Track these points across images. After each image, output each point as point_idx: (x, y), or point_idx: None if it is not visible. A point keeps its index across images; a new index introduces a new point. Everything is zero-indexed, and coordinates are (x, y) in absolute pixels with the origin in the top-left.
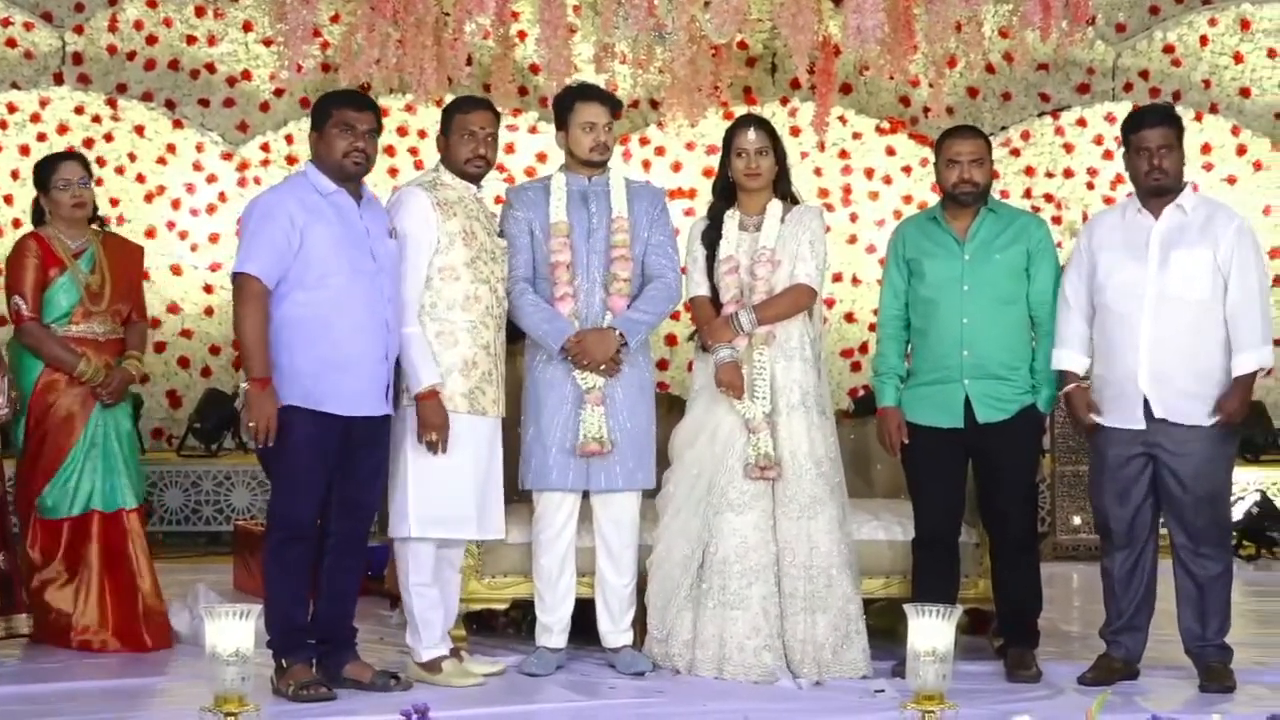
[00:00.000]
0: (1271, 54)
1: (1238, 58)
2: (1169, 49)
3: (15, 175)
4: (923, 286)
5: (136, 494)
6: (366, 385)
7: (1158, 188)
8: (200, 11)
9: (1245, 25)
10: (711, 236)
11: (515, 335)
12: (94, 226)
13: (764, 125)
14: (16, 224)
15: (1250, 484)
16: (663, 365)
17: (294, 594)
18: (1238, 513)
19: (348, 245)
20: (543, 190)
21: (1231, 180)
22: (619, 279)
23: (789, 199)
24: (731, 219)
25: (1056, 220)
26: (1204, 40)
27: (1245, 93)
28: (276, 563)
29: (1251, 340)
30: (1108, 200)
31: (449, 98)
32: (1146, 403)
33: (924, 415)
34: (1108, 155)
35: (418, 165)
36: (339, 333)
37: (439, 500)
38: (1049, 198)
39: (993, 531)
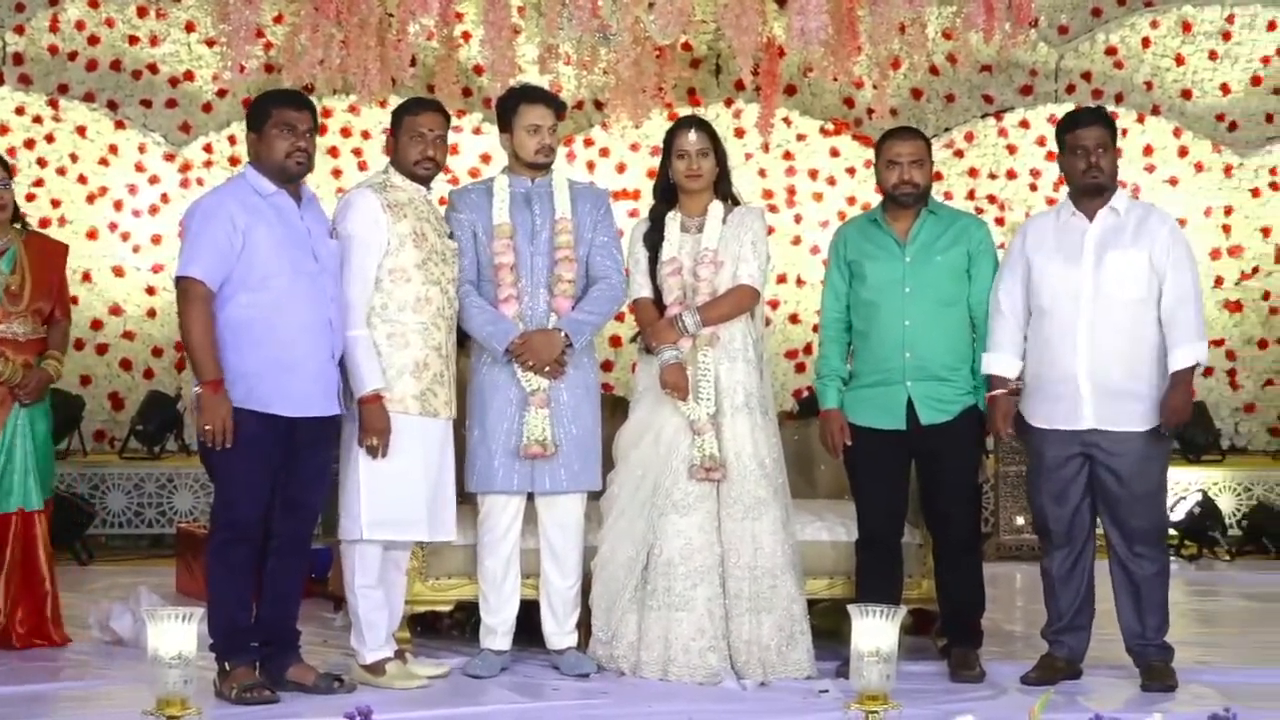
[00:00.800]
0: (1213, 56)
1: (1179, 60)
2: (1111, 51)
3: None
4: (864, 289)
5: (45, 494)
6: (311, 386)
7: (1095, 186)
8: (142, 12)
9: (1187, 27)
10: (653, 238)
11: (461, 337)
12: (15, 226)
13: (704, 126)
14: None
15: (1192, 484)
16: (607, 367)
17: (237, 596)
18: (1179, 513)
19: (289, 246)
20: (485, 192)
21: (1173, 182)
22: (563, 280)
23: (730, 200)
24: (673, 220)
25: (1000, 221)
26: (1146, 42)
27: (1187, 94)
28: (220, 564)
29: (1187, 336)
30: (1050, 201)
31: (393, 99)
32: (1083, 404)
33: (866, 417)
34: (1050, 156)
35: (362, 166)
36: (283, 334)
37: (390, 503)
38: (992, 199)
39: (935, 532)
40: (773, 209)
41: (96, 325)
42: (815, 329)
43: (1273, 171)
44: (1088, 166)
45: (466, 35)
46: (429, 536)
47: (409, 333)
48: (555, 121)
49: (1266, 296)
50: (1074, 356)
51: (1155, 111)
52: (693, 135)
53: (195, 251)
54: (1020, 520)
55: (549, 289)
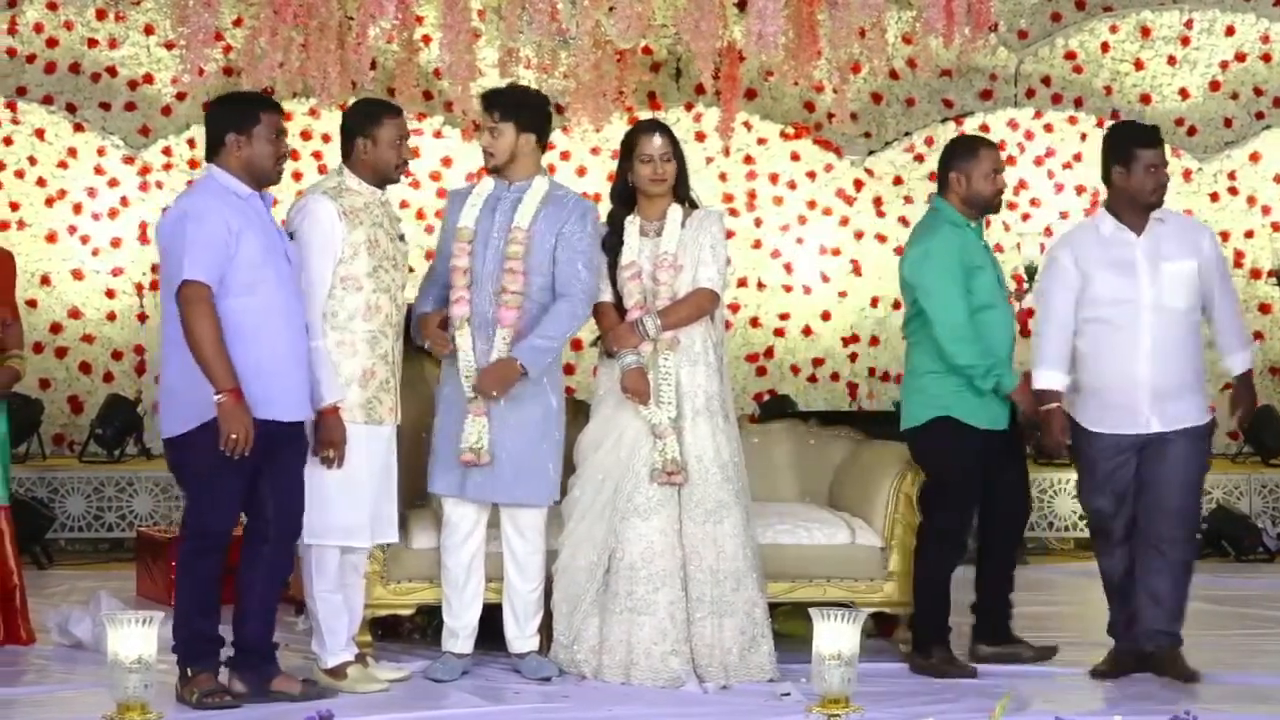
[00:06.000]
0: (1171, 61)
1: (1138, 64)
2: (1071, 55)
3: None
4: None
5: (8, 492)
6: (295, 389)
7: (1157, 204)
8: (101, 14)
9: (1145, 32)
10: (612, 242)
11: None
12: None
13: (666, 130)
14: None
15: None
16: (568, 370)
17: (203, 603)
18: None
19: (270, 250)
20: (467, 195)
21: None
22: (507, 290)
23: (689, 203)
24: (632, 224)
25: None
26: (1105, 47)
27: (1146, 99)
28: (188, 572)
29: (1244, 340)
30: (1010, 205)
31: (353, 101)
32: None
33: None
34: (1010, 161)
35: (321, 170)
36: (269, 337)
37: (334, 508)
38: None
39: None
40: (733, 213)
41: (56, 329)
42: (778, 333)
43: (1231, 176)
44: (1156, 186)
45: (426, 38)
46: (370, 541)
47: (357, 341)
48: (498, 123)
49: None
50: (1134, 365)
51: (1114, 116)
52: (657, 139)
53: (196, 255)
54: None
55: (495, 297)
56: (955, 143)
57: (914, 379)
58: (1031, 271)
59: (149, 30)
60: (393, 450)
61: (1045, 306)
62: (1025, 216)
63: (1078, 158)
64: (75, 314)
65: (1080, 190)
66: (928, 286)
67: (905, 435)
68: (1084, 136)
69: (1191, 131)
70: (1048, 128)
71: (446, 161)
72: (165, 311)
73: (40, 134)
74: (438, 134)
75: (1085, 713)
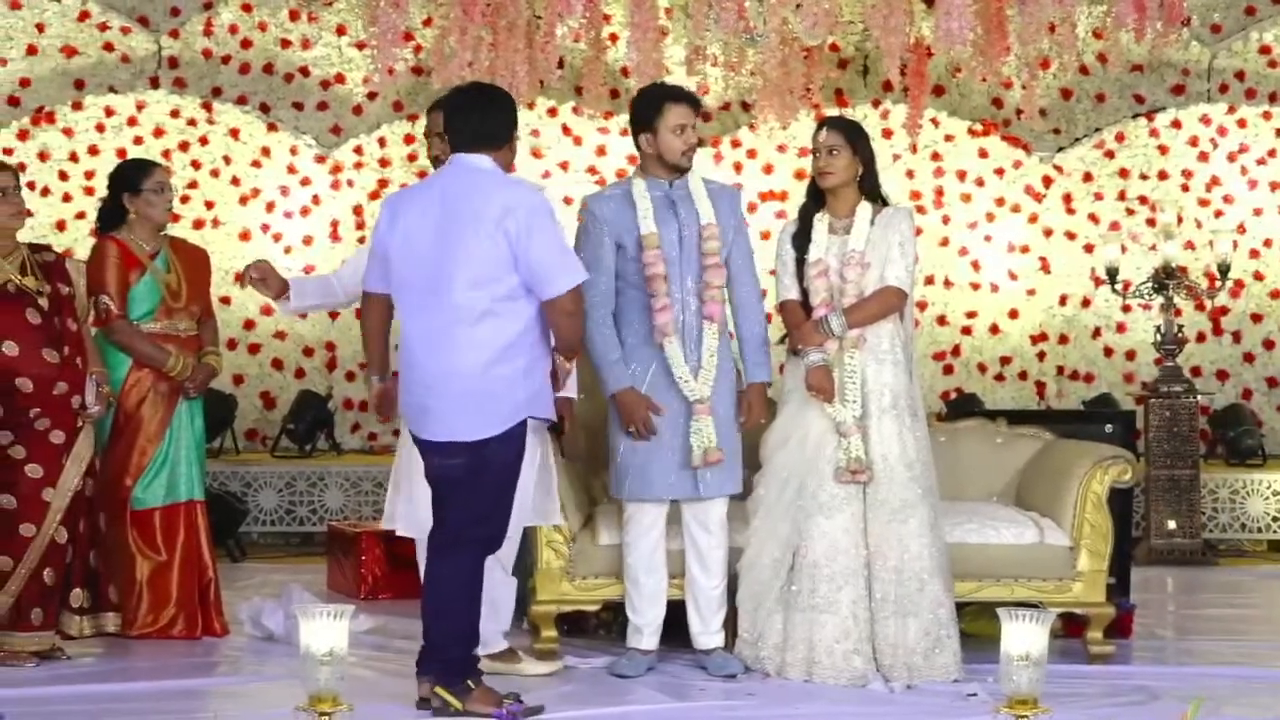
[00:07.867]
0: None
1: None
2: (1265, 50)
3: None
4: None
5: (203, 488)
6: None
7: None
8: (294, 15)
9: None
10: (801, 240)
11: None
12: (161, 232)
13: (838, 125)
14: None
15: None
16: None
17: (477, 611)
18: None
19: None
20: (625, 198)
21: None
22: (712, 286)
23: (879, 201)
24: (821, 221)
25: (1151, 223)
26: None
27: None
28: (477, 579)
29: None
30: (1203, 202)
31: (541, 100)
32: None
33: None
34: (1203, 157)
35: (509, 168)
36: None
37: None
38: (1143, 200)
39: None
40: (920, 210)
41: (249, 325)
42: (965, 331)
43: None
44: None
45: (614, 37)
46: (532, 521)
47: None
48: (696, 120)
49: None
50: None
51: None
52: (823, 134)
53: (572, 252)
54: (1171, 524)
55: (698, 296)
56: None
57: None
58: (1224, 269)
59: (341, 31)
60: (543, 443)
61: None
62: (1218, 214)
63: (1272, 154)
64: (268, 311)
65: (1275, 187)
66: None
67: None
68: (1278, 132)
69: None
70: (1241, 123)
71: (633, 159)
72: (470, 310)
73: (235, 134)
74: (624, 132)
75: None
